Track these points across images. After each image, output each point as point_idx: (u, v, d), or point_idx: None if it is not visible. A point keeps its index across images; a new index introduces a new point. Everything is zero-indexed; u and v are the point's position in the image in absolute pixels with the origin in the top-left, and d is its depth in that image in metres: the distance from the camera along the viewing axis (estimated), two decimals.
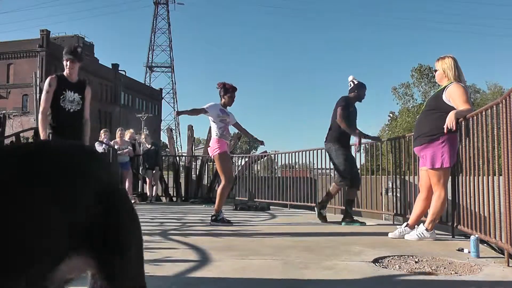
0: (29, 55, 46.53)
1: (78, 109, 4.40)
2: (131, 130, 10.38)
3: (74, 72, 4.43)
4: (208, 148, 5.63)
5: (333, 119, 5.67)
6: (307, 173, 10.05)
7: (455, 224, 4.24)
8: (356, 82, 5.73)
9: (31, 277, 0.78)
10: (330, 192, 5.82)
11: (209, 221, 5.42)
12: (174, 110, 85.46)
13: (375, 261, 3.11)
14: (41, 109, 4.34)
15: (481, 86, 48.42)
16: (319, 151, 8.02)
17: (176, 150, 17.89)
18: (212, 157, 5.64)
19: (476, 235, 3.42)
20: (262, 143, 6.13)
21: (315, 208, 6.01)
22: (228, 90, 5.54)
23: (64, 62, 4.40)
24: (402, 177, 5.85)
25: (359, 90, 5.72)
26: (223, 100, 5.55)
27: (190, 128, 13.14)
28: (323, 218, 5.75)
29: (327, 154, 6.02)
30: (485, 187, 3.54)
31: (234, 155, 12.20)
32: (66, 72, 4.41)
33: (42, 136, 4.26)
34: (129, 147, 9.58)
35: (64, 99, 4.32)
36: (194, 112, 5.65)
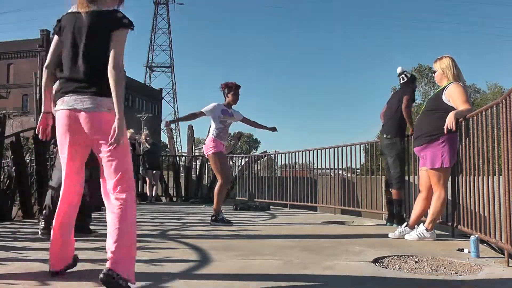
0: (29, 55, 46.60)
1: None
2: (131, 130, 10.38)
3: None
4: (203, 146, 5.61)
5: (394, 111, 5.35)
6: (307, 173, 10.05)
7: (455, 224, 4.24)
8: (409, 76, 5.51)
9: None
10: (397, 199, 5.29)
11: (209, 221, 5.42)
12: (174, 110, 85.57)
13: (375, 261, 3.11)
14: None
15: (481, 86, 48.46)
16: (319, 151, 8.03)
17: (176, 150, 17.88)
18: (206, 156, 5.63)
19: (476, 235, 3.42)
20: (274, 129, 5.88)
21: (388, 223, 5.42)
22: (231, 88, 5.54)
23: None
24: None
25: (414, 83, 5.60)
26: (227, 99, 5.54)
27: (190, 128, 13.14)
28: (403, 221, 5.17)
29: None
30: (485, 187, 3.54)
31: (234, 155, 12.22)
32: None
33: None
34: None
35: None
36: (192, 116, 5.63)
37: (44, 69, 2.52)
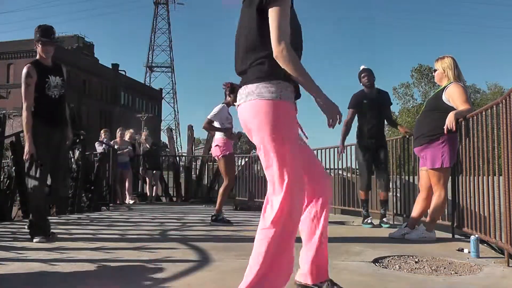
0: (29, 55, 46.45)
1: (62, 93, 4.15)
2: (131, 130, 10.39)
3: (50, 55, 4.13)
4: (215, 147, 5.47)
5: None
6: None
7: (455, 224, 4.24)
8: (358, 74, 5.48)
9: None
10: (362, 200, 5.53)
11: (209, 221, 5.42)
12: (174, 110, 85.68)
13: (375, 261, 3.11)
14: (25, 105, 3.92)
15: (481, 86, 48.51)
16: (319, 151, 8.02)
17: (176, 150, 17.89)
18: (217, 157, 5.55)
19: (476, 235, 3.42)
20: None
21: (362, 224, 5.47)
22: (235, 89, 5.50)
23: (40, 47, 4.05)
24: (402, 177, 5.85)
25: (359, 79, 5.46)
26: (228, 98, 5.49)
27: (190, 128, 13.16)
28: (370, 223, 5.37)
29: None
30: (485, 187, 3.54)
31: (234, 155, 12.19)
32: (41, 56, 4.09)
33: (27, 137, 3.88)
34: (129, 147, 9.58)
35: (49, 87, 4.03)
36: (212, 128, 5.47)
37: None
